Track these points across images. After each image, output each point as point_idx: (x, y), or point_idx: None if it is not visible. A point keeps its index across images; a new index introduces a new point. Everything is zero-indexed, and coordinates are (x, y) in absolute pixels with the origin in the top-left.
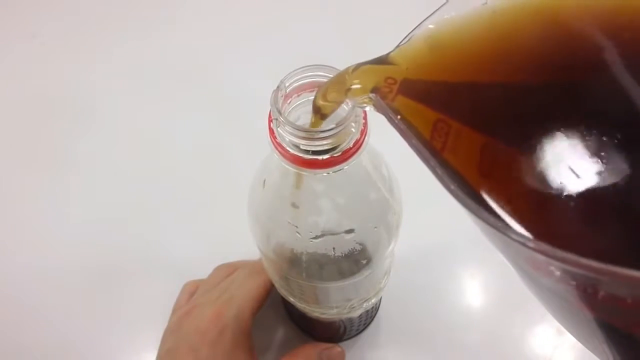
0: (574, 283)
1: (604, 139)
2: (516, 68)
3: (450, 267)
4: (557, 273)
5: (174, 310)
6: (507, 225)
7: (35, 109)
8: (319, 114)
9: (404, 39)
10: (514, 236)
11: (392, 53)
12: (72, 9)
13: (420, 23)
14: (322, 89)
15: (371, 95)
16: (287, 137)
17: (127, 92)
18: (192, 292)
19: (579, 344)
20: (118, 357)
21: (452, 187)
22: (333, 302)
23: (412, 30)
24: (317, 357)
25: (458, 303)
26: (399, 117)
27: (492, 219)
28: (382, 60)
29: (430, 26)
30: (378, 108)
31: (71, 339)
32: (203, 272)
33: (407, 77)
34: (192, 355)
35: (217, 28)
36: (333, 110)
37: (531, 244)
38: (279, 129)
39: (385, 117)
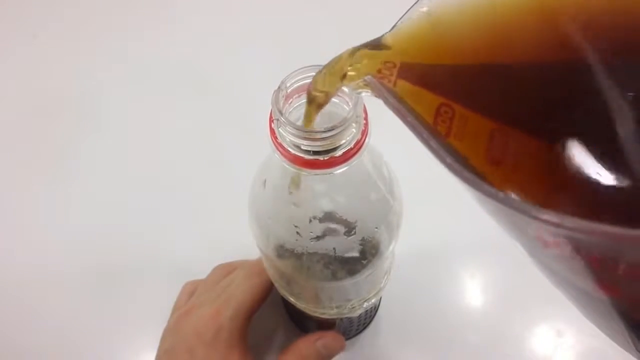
0: (588, 258)
1: (619, 125)
2: (522, 49)
3: (450, 267)
4: (570, 248)
5: (173, 311)
6: (509, 196)
7: (35, 109)
8: (315, 103)
9: (399, 20)
10: (516, 205)
11: (387, 35)
12: (72, 9)
13: (416, 2)
14: (316, 76)
15: (366, 78)
16: (288, 137)
17: (128, 93)
18: (192, 292)
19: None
20: (118, 357)
21: (448, 160)
22: (333, 302)
23: (408, 10)
24: (315, 351)
25: (458, 303)
26: (394, 96)
27: (492, 190)
28: (378, 43)
29: (428, 8)
30: (374, 90)
31: (71, 339)
32: (203, 272)
33: (406, 61)
34: (188, 355)
35: (217, 28)
36: (325, 103)
37: (536, 213)
38: (279, 129)
39: (381, 98)
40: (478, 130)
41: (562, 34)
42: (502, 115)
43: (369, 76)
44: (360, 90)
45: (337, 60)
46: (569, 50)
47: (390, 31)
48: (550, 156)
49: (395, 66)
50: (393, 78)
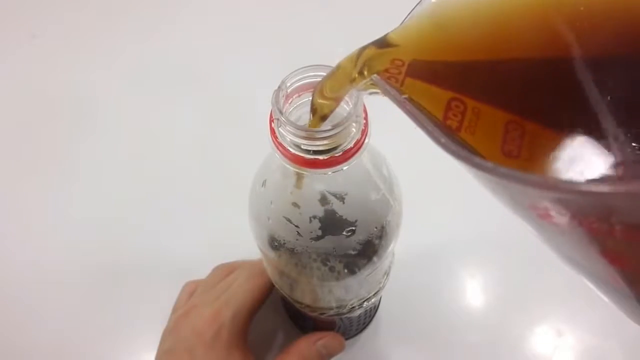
0: (586, 222)
1: (630, 116)
2: (533, 42)
3: (450, 267)
4: (566, 215)
5: (174, 311)
6: (498, 166)
7: (35, 109)
8: (319, 114)
9: (405, 18)
10: (504, 172)
11: (392, 33)
12: (72, 9)
13: (419, 2)
14: (323, 83)
15: (373, 77)
16: (288, 137)
17: (128, 93)
18: (192, 292)
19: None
20: (118, 357)
21: (443, 140)
22: (333, 301)
23: (414, 9)
24: (315, 351)
25: (458, 303)
26: (399, 92)
27: (482, 161)
28: (384, 42)
29: (432, 5)
30: (380, 88)
31: (71, 339)
32: (203, 272)
33: (415, 59)
34: (188, 356)
35: (217, 28)
36: (333, 109)
37: (523, 177)
38: (280, 128)
39: (387, 95)
40: (492, 123)
41: (563, 29)
42: (516, 107)
43: (375, 75)
44: (370, 90)
45: (342, 64)
46: (572, 46)
47: (395, 30)
48: (567, 148)
49: (403, 64)
50: (401, 76)
